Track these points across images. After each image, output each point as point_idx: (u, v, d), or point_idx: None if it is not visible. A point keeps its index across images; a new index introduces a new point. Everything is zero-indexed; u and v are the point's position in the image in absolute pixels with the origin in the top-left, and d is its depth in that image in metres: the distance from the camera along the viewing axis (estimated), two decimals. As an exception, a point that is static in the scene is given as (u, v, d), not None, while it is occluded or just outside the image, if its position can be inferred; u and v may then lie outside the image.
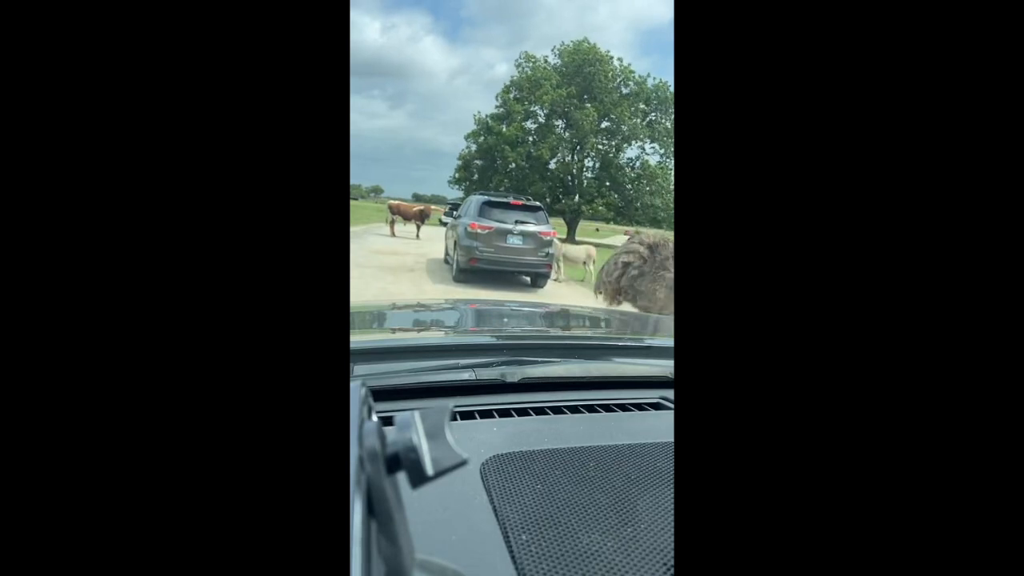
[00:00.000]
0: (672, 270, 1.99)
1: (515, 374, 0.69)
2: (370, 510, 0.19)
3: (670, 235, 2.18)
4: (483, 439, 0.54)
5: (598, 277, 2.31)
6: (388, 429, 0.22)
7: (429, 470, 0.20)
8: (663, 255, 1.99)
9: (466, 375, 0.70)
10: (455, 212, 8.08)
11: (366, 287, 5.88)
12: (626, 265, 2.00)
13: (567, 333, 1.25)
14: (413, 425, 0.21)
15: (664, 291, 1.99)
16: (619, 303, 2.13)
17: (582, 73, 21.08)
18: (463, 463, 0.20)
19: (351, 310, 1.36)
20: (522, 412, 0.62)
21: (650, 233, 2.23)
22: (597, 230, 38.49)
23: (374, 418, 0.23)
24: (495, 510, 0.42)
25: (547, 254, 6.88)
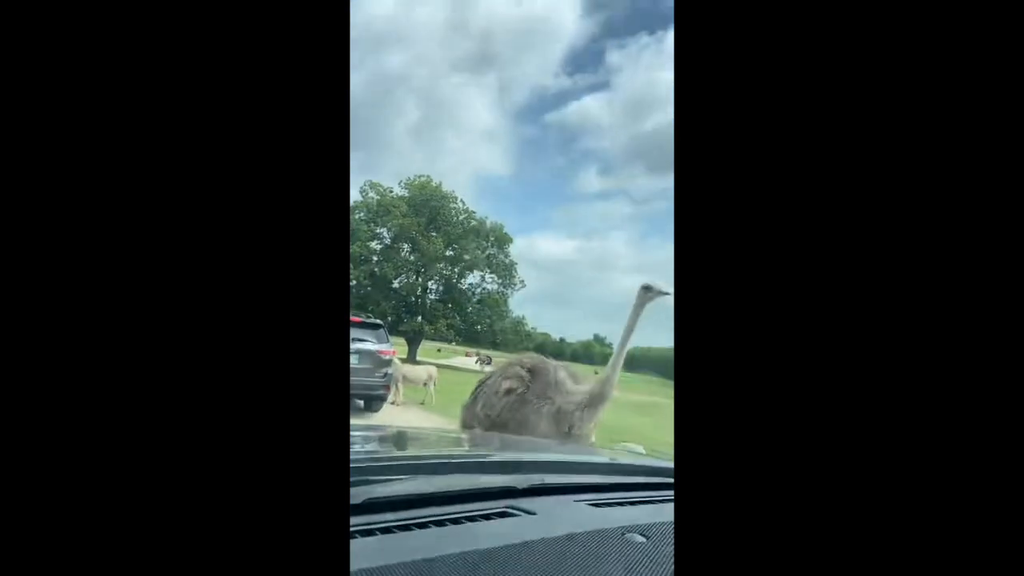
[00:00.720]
0: (553, 397, 1.90)
1: (359, 495, 0.65)
2: None
3: (546, 360, 2.12)
4: None
5: (467, 407, 2.12)
6: None
7: None
8: (544, 380, 1.91)
9: None
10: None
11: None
12: (508, 392, 1.87)
13: (411, 453, 1.20)
14: None
15: (545, 422, 1.87)
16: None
17: (428, 206, 22.95)
18: None
19: None
20: (367, 533, 0.58)
21: (527, 358, 2.17)
22: (439, 350, 38.54)
23: None
24: None
25: (385, 374, 6.43)
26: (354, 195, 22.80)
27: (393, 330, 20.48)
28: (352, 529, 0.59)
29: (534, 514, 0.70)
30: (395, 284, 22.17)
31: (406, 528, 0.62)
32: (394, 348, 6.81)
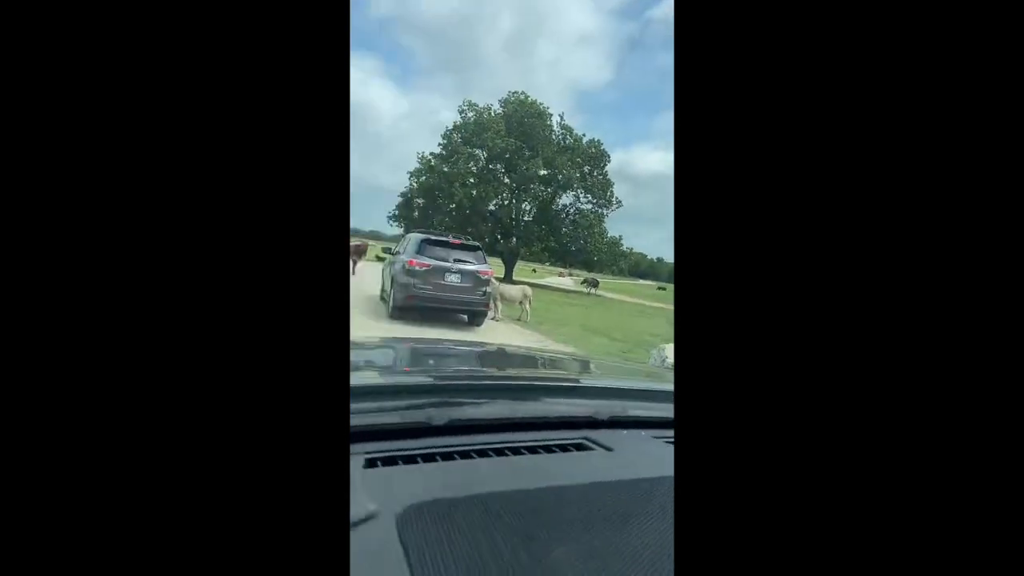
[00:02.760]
0: None
1: (442, 417, 0.69)
2: None
3: None
4: (403, 487, 0.53)
5: None
6: None
7: None
8: None
9: (393, 418, 0.69)
10: (393, 249, 8.04)
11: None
12: None
13: (500, 373, 1.26)
14: None
15: None
16: None
17: (524, 124, 22.32)
18: (372, 516, 0.20)
19: None
20: (446, 456, 0.62)
21: None
22: (534, 271, 39.49)
23: None
24: (410, 566, 0.39)
25: (485, 292, 7.00)
26: (453, 116, 22.87)
27: (490, 252, 21.32)
28: (431, 451, 0.62)
29: (611, 450, 0.70)
30: (491, 206, 22.68)
31: (483, 453, 0.63)
32: (491, 268, 7.28)
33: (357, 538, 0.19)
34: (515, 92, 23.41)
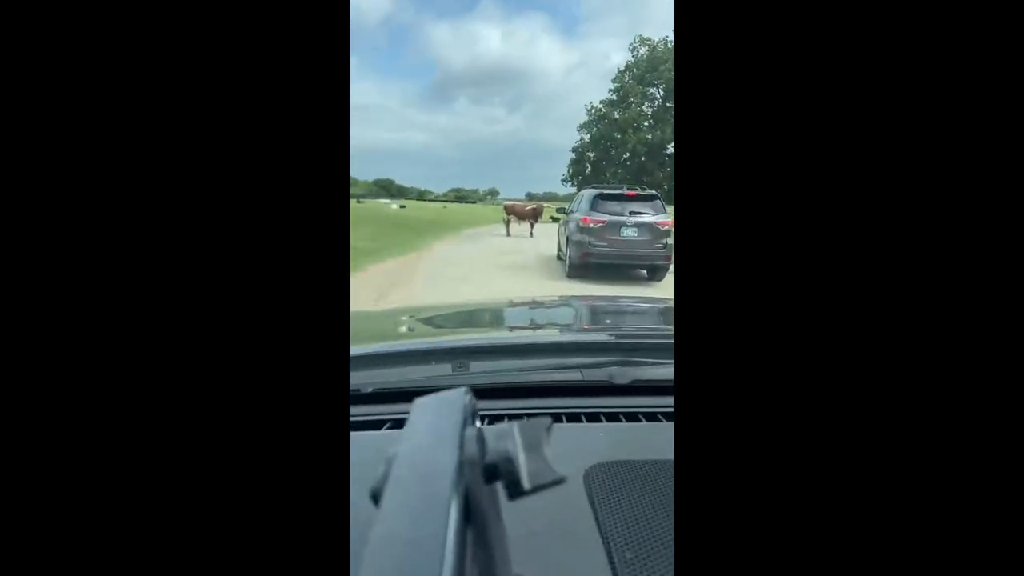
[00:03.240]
0: None
1: (624, 376, 0.66)
2: (467, 517, 0.18)
3: None
4: (588, 445, 0.53)
5: None
6: (489, 430, 0.21)
7: (526, 484, 0.20)
8: None
9: (575, 375, 0.69)
10: (567, 208, 8.07)
11: (486, 285, 6.21)
12: None
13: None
14: (511, 436, 0.21)
15: None
16: None
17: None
18: (561, 481, 0.20)
19: (469, 309, 1.45)
20: (631, 417, 0.60)
21: None
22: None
23: (476, 424, 0.23)
24: (598, 523, 0.40)
25: (664, 244, 6.47)
26: (625, 56, 21.31)
27: (670, 199, 19.60)
28: (615, 410, 0.61)
29: None
30: (669, 149, 20.61)
31: (668, 417, 0.61)
32: (671, 218, 6.67)
33: (548, 490, 0.19)
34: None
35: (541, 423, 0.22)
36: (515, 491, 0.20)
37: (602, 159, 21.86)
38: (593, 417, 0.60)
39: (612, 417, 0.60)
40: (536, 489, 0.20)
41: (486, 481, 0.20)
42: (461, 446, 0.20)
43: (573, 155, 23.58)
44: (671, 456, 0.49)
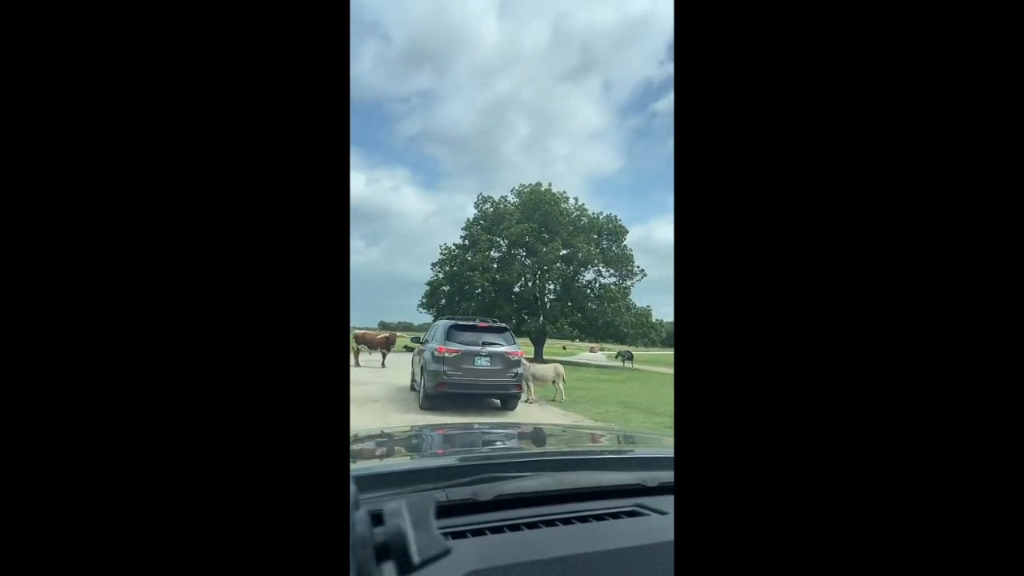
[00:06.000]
0: None
1: (488, 492, 0.68)
2: None
3: None
4: (459, 559, 0.52)
5: None
6: (384, 507, 0.22)
7: (415, 558, 0.20)
8: None
9: (438, 495, 0.67)
10: (422, 338, 8.11)
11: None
12: None
13: (540, 449, 1.23)
14: (401, 514, 0.21)
15: None
16: None
17: (540, 210, 23.53)
18: (447, 552, 0.20)
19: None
20: (496, 530, 0.61)
21: None
22: (564, 348, 38.81)
23: (362, 509, 0.23)
24: None
25: (516, 374, 6.85)
26: (472, 211, 24.49)
27: (517, 331, 21.39)
28: (482, 526, 0.61)
29: (665, 513, 0.68)
30: (516, 288, 23.15)
31: (533, 526, 0.62)
32: (521, 349, 7.21)
33: None
34: (526, 184, 25.01)
35: (428, 499, 0.22)
36: (406, 567, 0.20)
37: (456, 293, 23.26)
38: (459, 535, 0.59)
39: (478, 532, 0.60)
40: (425, 563, 0.20)
41: (377, 561, 0.20)
42: (352, 528, 0.20)
43: (428, 288, 24.59)
44: (542, 557, 0.51)
